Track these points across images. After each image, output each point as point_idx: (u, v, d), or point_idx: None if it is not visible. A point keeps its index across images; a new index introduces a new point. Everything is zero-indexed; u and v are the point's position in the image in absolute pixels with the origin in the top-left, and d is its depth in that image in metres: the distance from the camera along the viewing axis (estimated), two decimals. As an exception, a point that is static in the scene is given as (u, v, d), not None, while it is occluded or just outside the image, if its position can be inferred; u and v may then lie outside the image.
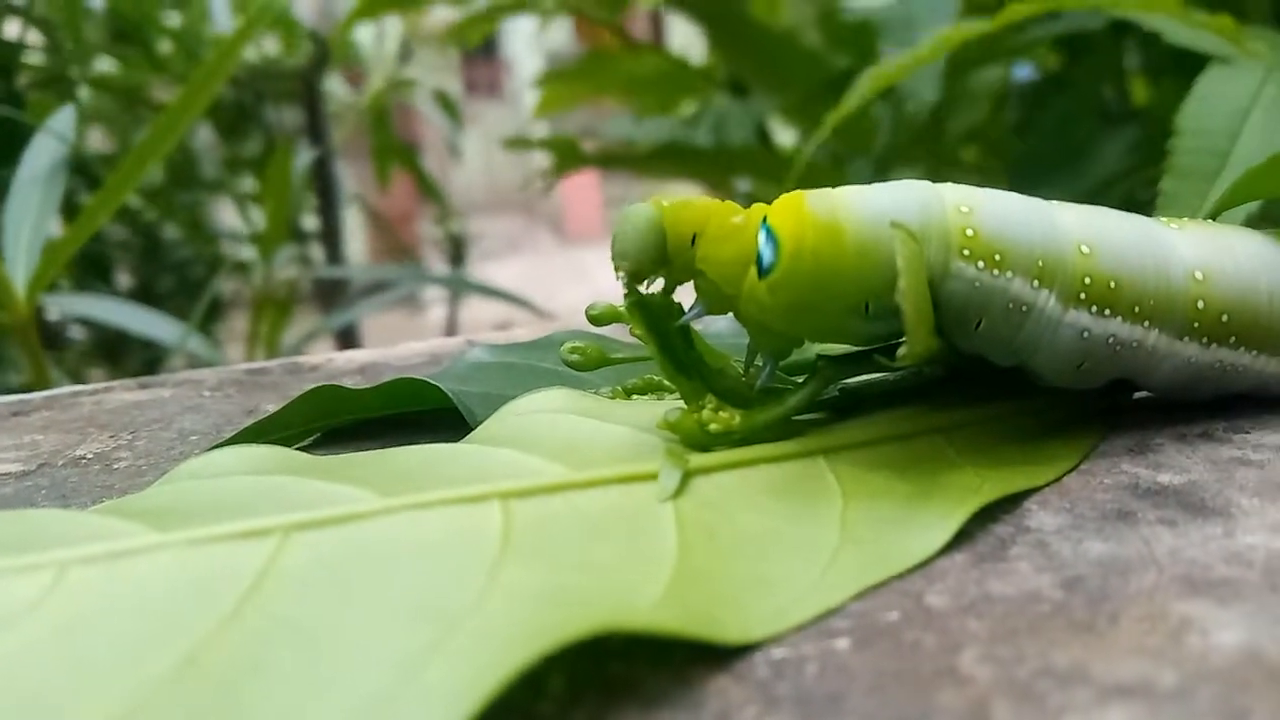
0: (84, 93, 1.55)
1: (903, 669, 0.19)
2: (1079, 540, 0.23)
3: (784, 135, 1.39)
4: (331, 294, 1.63)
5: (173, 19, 1.63)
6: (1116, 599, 0.21)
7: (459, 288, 1.51)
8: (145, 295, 1.60)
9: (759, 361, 0.29)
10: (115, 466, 0.35)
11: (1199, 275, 0.28)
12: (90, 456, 0.36)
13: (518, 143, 1.35)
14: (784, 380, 0.30)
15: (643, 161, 1.16)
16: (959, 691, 0.18)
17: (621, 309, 0.31)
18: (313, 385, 0.44)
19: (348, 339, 1.66)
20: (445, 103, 1.94)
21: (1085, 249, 0.27)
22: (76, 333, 1.57)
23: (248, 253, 1.71)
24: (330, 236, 1.60)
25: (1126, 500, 0.25)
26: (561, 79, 1.44)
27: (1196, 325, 0.28)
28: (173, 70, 1.62)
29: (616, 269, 0.28)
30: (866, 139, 1.21)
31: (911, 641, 0.20)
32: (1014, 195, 0.27)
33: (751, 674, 0.19)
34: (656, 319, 0.28)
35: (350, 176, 2.66)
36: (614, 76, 1.36)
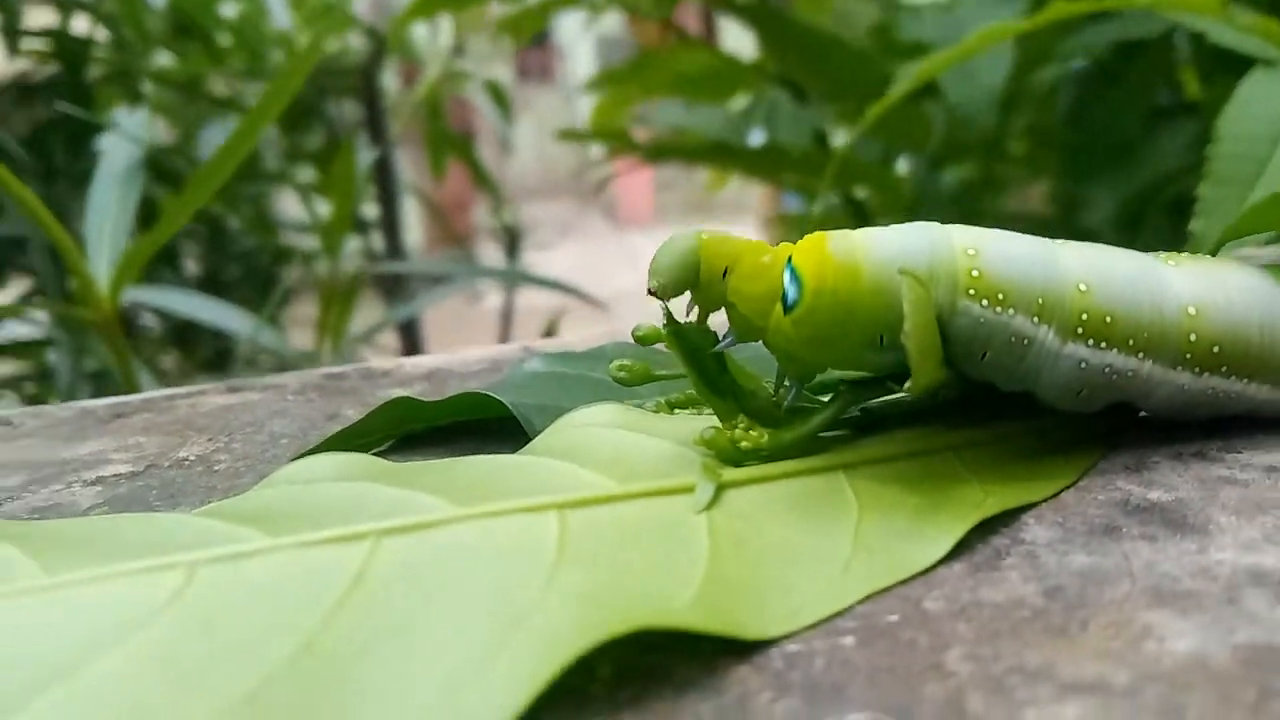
0: (146, 86, 1.61)
1: (897, 664, 0.22)
2: (1065, 552, 0.26)
3: (840, 137, 1.41)
4: (393, 283, 1.68)
5: (229, 11, 1.69)
6: (1090, 607, 0.24)
7: (514, 280, 1.55)
8: (212, 284, 1.67)
9: (786, 384, 0.32)
10: (216, 468, 0.40)
11: (1192, 310, 0.30)
12: (193, 458, 0.41)
13: (571, 134, 1.39)
14: (810, 400, 0.34)
15: (694, 154, 1.19)
16: (942, 684, 0.21)
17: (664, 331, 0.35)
18: (385, 390, 0.48)
19: (410, 328, 1.71)
20: (497, 94, 1.98)
21: (1083, 287, 0.30)
22: (149, 320, 1.63)
23: (310, 242, 1.77)
24: (390, 227, 1.65)
25: (1115, 516, 0.28)
26: (612, 80, 1.47)
27: (1189, 356, 0.31)
28: (232, 64, 1.68)
29: (649, 284, 0.31)
30: (918, 136, 1.21)
31: (908, 640, 0.23)
32: (1019, 237, 0.30)
33: (768, 665, 0.23)
34: (693, 345, 0.32)
35: (406, 166, 2.72)
36: (664, 75, 1.39)
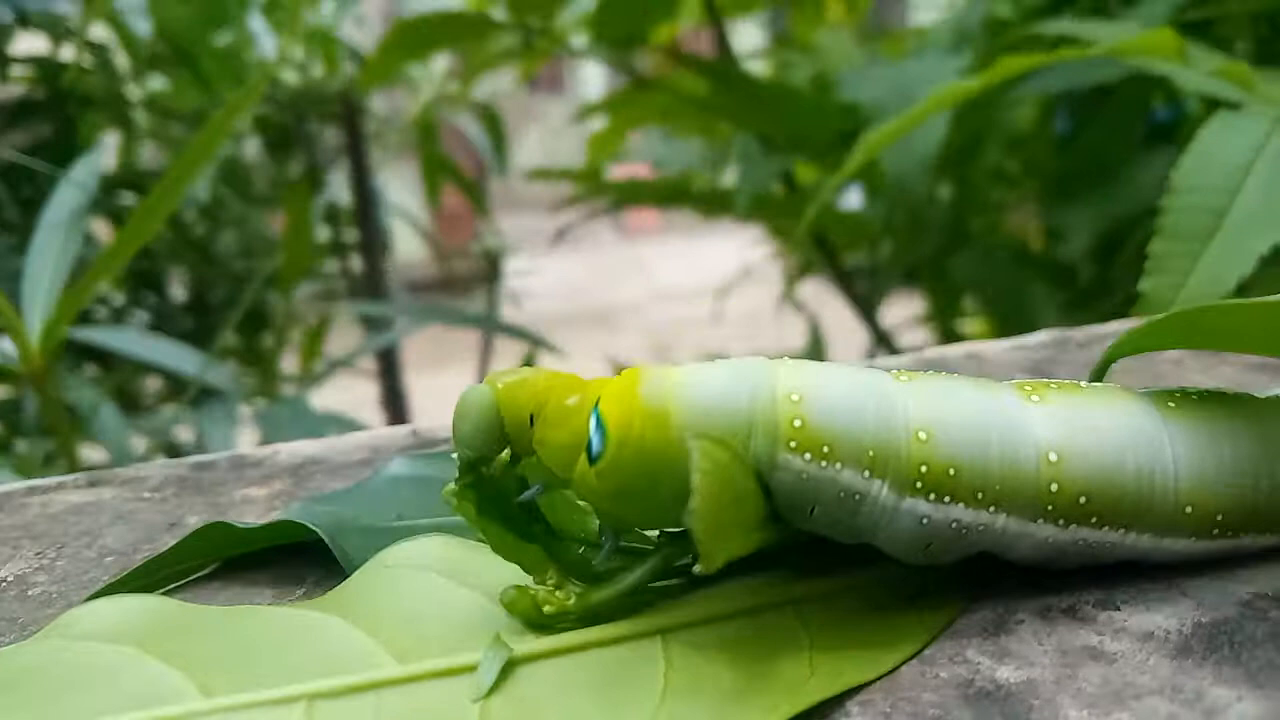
0: (137, 113, 1.60)
1: None
2: (879, 764, 0.23)
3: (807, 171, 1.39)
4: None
5: (225, 39, 1.67)
6: None
7: (485, 325, 1.52)
8: (198, 308, 1.65)
9: (604, 535, 0.28)
10: (30, 593, 0.37)
11: (1053, 456, 0.26)
12: (10, 579, 0.38)
13: (542, 174, 1.36)
14: (640, 543, 0.30)
15: (657, 197, 1.16)
16: None
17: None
18: (245, 489, 0.45)
19: (388, 354, 1.69)
20: (490, 119, 1.95)
21: (923, 435, 0.26)
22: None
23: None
24: (369, 252, 1.62)
25: (950, 706, 0.24)
26: (607, 108, 1.45)
27: (1050, 508, 0.27)
28: (218, 91, 1.66)
29: (458, 453, 0.28)
30: (876, 177, 1.18)
31: None
32: (852, 375, 0.27)
33: None
34: (495, 497, 0.28)
35: (405, 180, 2.70)
36: (648, 108, 1.37)
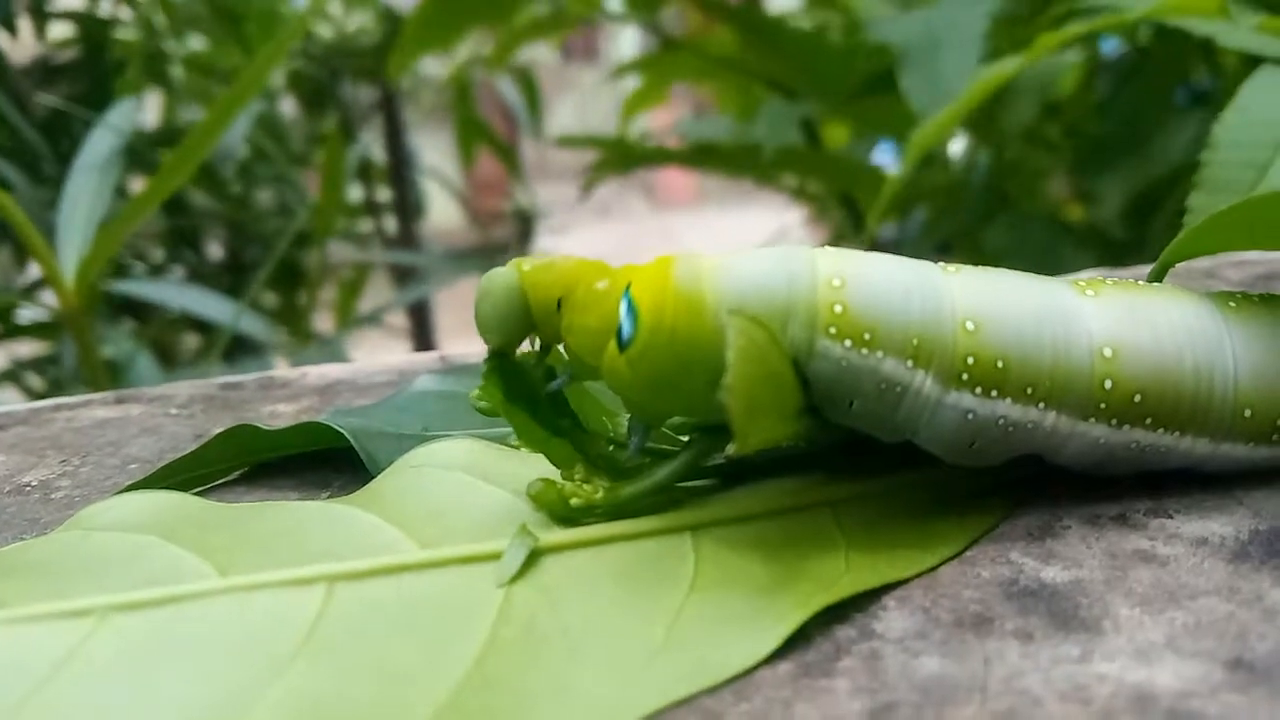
0: (177, 70, 1.60)
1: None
2: (916, 653, 0.22)
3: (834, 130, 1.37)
4: (405, 266, 1.66)
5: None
6: (921, 736, 0.19)
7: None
8: (234, 267, 1.66)
9: (633, 430, 0.27)
10: (52, 497, 0.36)
11: (1107, 352, 0.25)
12: (35, 484, 0.37)
13: (571, 140, 1.35)
14: (668, 442, 0.29)
15: (679, 158, 1.15)
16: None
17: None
18: (274, 404, 0.45)
19: (420, 310, 1.69)
20: (526, 82, 1.93)
21: (970, 325, 0.25)
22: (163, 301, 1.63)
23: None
24: (402, 210, 1.62)
25: (992, 602, 0.23)
26: (642, 68, 1.43)
27: (1103, 406, 0.25)
28: (256, 49, 1.66)
29: (485, 338, 0.27)
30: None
31: (688, 774, 0.19)
32: (898, 263, 0.25)
33: (509, 804, 0.18)
34: (523, 384, 0.27)
35: (440, 146, 2.69)
36: (681, 67, 1.35)
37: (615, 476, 0.27)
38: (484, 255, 1.82)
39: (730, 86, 1.61)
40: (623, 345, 0.25)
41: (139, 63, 1.50)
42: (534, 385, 0.28)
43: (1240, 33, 0.66)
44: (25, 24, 1.38)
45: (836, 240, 1.63)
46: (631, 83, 1.66)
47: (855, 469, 0.28)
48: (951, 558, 0.25)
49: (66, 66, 1.49)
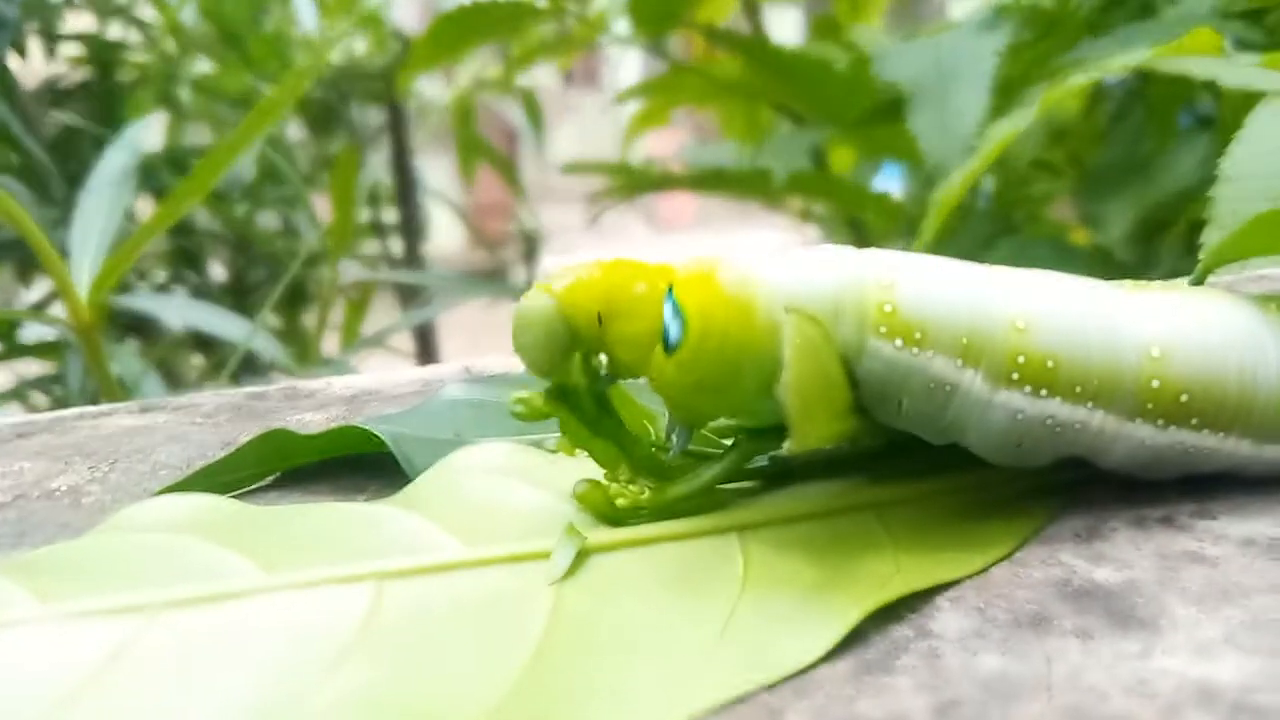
0: (185, 93, 1.61)
1: (731, 803, 0.18)
2: (976, 652, 0.22)
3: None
4: (410, 287, 1.66)
5: (270, 20, 1.68)
6: (987, 731, 0.19)
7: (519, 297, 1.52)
8: (237, 288, 1.66)
9: (673, 430, 0.27)
10: (83, 501, 0.36)
11: (1155, 352, 0.25)
12: (64, 490, 0.37)
13: (576, 167, 1.36)
14: (711, 445, 0.29)
15: (688, 183, 1.15)
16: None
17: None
18: (300, 414, 0.45)
19: (424, 332, 1.69)
20: (530, 103, 1.95)
21: (1020, 324, 0.25)
22: (169, 321, 1.63)
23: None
24: (409, 233, 1.62)
25: (1048, 602, 0.23)
26: (646, 92, 1.44)
27: (1150, 406, 0.25)
28: (264, 71, 1.67)
29: (528, 368, 0.27)
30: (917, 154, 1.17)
31: (753, 769, 0.19)
32: (947, 264, 0.25)
33: (574, 798, 0.18)
34: (566, 389, 0.27)
35: (443, 169, 2.70)
36: (686, 91, 1.36)
37: (659, 478, 0.27)
38: (490, 277, 1.82)
39: (735, 110, 1.63)
40: (670, 348, 0.25)
41: (153, 84, 1.51)
42: (576, 386, 0.27)
43: (1241, 71, 0.67)
44: (35, 45, 1.39)
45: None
46: (632, 108, 1.67)
47: (897, 472, 0.28)
48: (1000, 560, 0.25)
49: (75, 89, 1.50)
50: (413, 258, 1.64)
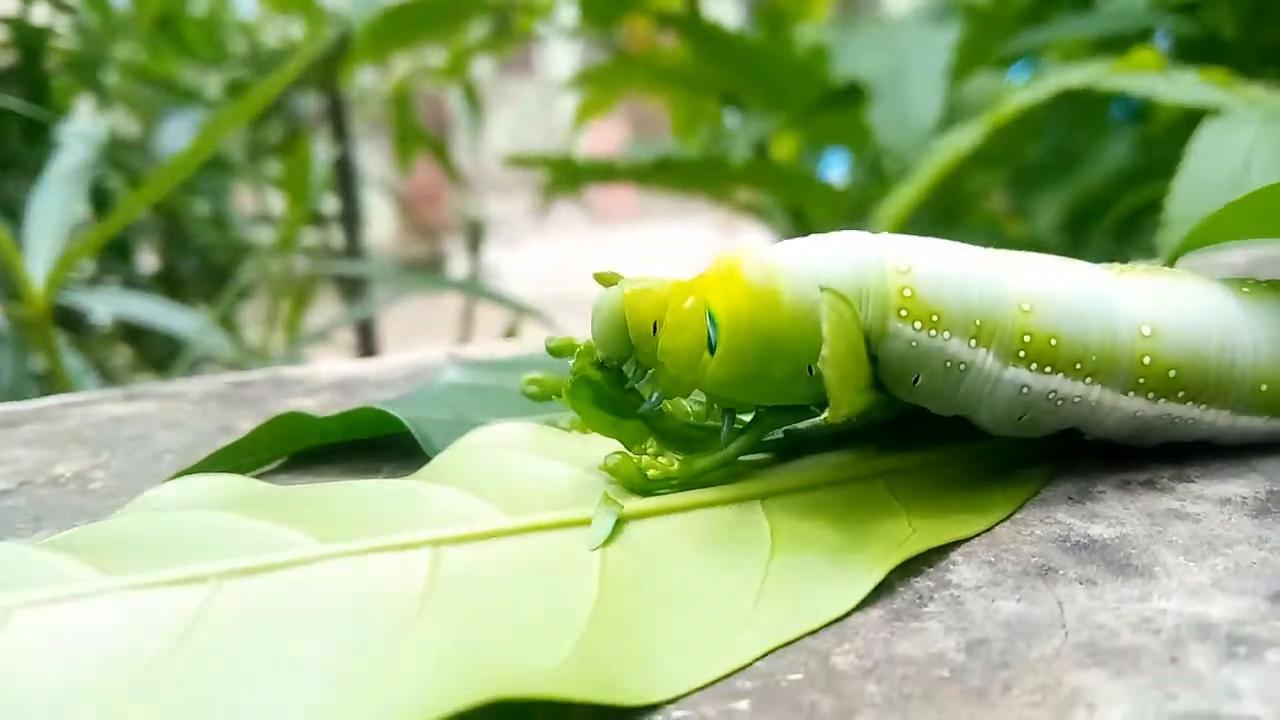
0: (112, 77, 1.57)
1: (796, 735, 0.20)
2: (993, 598, 0.24)
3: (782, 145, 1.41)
4: (351, 280, 1.64)
5: (200, 4, 1.65)
6: (1015, 666, 0.21)
7: (470, 293, 1.52)
8: (168, 279, 1.62)
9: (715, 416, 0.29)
10: (90, 487, 0.36)
11: (1146, 330, 0.28)
12: (68, 476, 0.37)
13: (517, 160, 1.36)
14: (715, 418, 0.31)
15: (634, 175, 1.17)
16: (844, 762, 0.19)
17: (577, 342, 0.32)
18: (291, 400, 0.45)
19: (366, 326, 1.67)
20: (469, 93, 1.94)
21: (1026, 306, 0.27)
22: (101, 315, 1.59)
23: (268, 237, 1.74)
24: (349, 223, 1.61)
25: (1052, 554, 0.26)
26: (589, 80, 1.45)
27: (1142, 381, 0.28)
28: (198, 56, 1.64)
29: (597, 354, 0.28)
30: (861, 140, 1.20)
31: (809, 705, 0.20)
32: (956, 249, 0.28)
33: (650, 736, 0.20)
34: (597, 383, 0.29)
35: (376, 157, 2.68)
36: (630, 79, 1.37)
37: (685, 450, 0.29)
38: (426, 268, 1.81)
39: (679, 100, 1.64)
40: (711, 350, 0.27)
41: (80, 69, 1.47)
42: (606, 386, 0.29)
43: (1181, 87, 0.71)
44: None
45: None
46: (569, 98, 1.68)
47: (900, 443, 0.30)
48: (1002, 520, 0.28)
49: (1, 73, 1.45)
50: (354, 248, 1.62)
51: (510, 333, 1.56)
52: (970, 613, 0.23)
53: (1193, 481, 0.29)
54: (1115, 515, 0.27)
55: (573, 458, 0.30)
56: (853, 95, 1.01)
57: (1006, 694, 0.20)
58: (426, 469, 0.31)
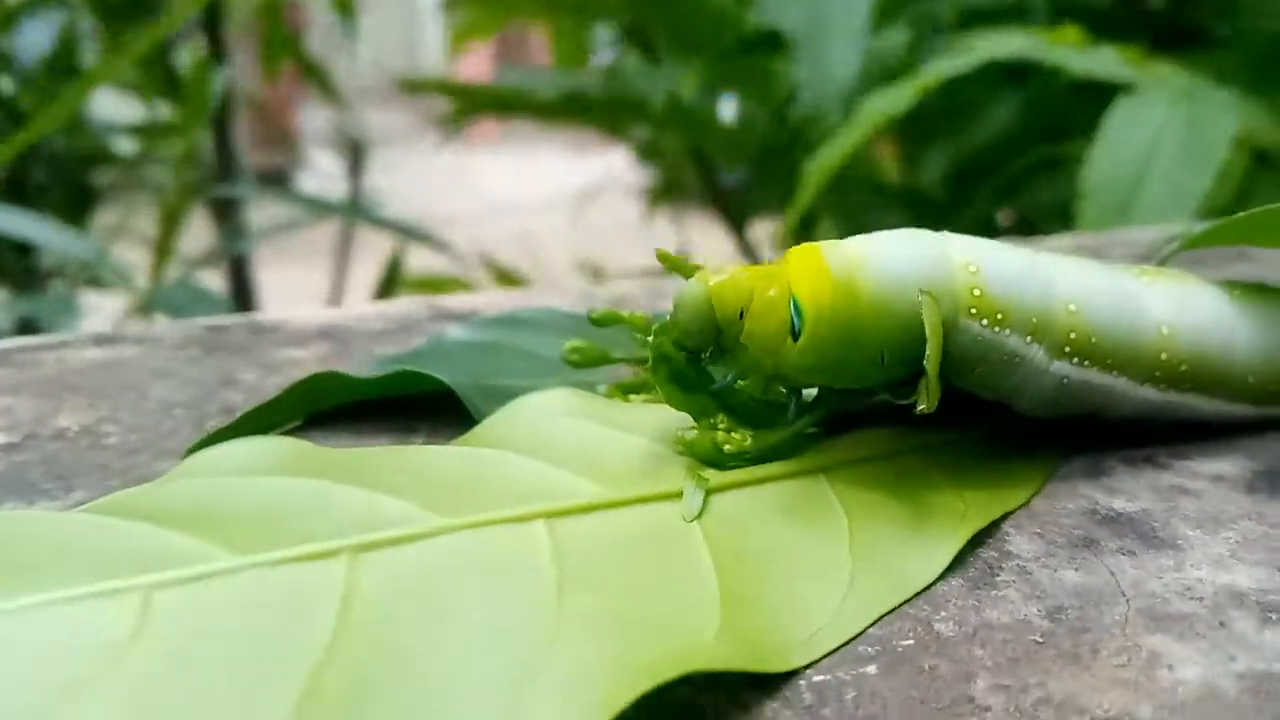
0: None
1: (926, 696, 0.22)
2: (1055, 568, 0.27)
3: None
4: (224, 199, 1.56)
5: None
6: (1095, 630, 0.24)
7: (358, 217, 1.47)
8: (16, 188, 1.51)
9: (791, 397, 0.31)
10: (105, 442, 0.35)
11: (1165, 329, 0.31)
12: (75, 429, 0.36)
13: (414, 84, 1.33)
14: (776, 395, 0.33)
15: (544, 109, 1.16)
16: (977, 719, 0.21)
17: (623, 314, 0.33)
18: (279, 349, 0.44)
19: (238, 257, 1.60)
20: (342, 4, 1.85)
21: (1073, 307, 0.30)
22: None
23: (125, 145, 1.63)
24: (222, 137, 1.53)
25: (1089, 527, 0.29)
26: (473, 1, 1.41)
27: (1158, 373, 0.32)
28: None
29: (682, 341, 0.29)
30: (770, 90, 1.22)
31: (929, 669, 0.23)
32: (1013, 252, 0.30)
33: (798, 699, 0.22)
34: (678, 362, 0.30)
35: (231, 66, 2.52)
36: (524, 4, 1.34)
37: (754, 425, 0.31)
38: (279, 179, 1.74)
39: (568, 30, 1.62)
40: (795, 337, 0.28)
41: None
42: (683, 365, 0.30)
43: (1090, 60, 0.76)
44: None
45: (674, 187, 1.69)
46: (431, 9, 1.62)
47: (926, 421, 0.33)
48: (1035, 494, 0.31)
49: None
50: (226, 164, 1.54)
51: (393, 264, 1.52)
52: (1039, 582, 0.26)
53: (1189, 459, 0.33)
54: (1129, 490, 0.31)
55: (632, 427, 0.32)
56: (770, 44, 1.03)
57: (1096, 657, 0.23)
58: (479, 435, 0.31)
